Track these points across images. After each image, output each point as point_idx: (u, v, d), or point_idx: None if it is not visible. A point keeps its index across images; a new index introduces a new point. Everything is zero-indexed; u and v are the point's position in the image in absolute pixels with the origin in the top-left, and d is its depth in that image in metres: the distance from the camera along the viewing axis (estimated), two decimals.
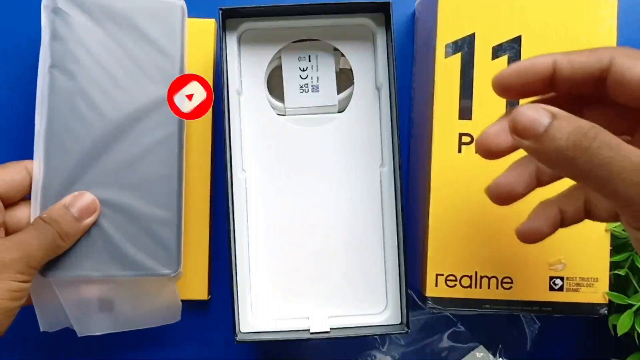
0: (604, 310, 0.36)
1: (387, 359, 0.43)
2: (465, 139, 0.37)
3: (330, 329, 0.37)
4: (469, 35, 0.37)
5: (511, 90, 0.28)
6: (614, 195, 0.23)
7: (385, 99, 0.39)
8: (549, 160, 0.24)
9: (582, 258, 0.36)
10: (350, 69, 0.39)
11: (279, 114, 0.39)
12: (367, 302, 0.39)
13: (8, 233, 0.36)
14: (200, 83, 0.41)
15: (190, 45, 0.39)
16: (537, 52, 0.28)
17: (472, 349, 0.42)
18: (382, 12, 0.38)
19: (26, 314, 0.35)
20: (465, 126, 0.37)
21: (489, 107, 0.36)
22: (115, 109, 0.37)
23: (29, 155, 0.36)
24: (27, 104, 0.40)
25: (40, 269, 0.35)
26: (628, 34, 0.38)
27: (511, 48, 0.37)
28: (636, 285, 0.36)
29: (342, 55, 0.39)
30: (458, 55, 0.37)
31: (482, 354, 0.42)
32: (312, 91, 0.39)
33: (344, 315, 0.38)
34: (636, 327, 0.36)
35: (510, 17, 0.37)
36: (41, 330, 0.38)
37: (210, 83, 0.41)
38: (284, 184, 0.39)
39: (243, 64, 0.39)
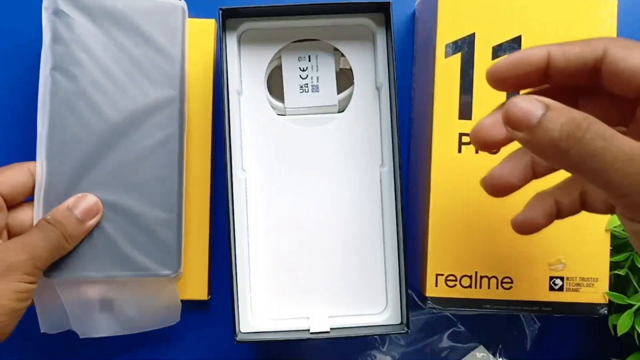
0: (604, 310, 0.36)
1: (387, 359, 0.43)
2: (465, 139, 0.37)
3: (330, 329, 0.37)
4: (469, 35, 0.37)
5: (506, 82, 0.28)
6: (608, 186, 0.23)
7: (385, 99, 0.39)
8: (543, 151, 0.24)
9: (582, 258, 0.36)
10: (350, 69, 0.39)
11: (279, 114, 0.39)
12: (367, 302, 0.39)
13: (11, 234, 0.36)
14: (200, 83, 0.41)
15: (190, 45, 0.39)
16: None
17: (472, 349, 0.42)
18: (382, 12, 0.38)
19: (26, 314, 0.35)
20: (465, 126, 0.37)
21: (489, 106, 0.36)
22: (116, 111, 0.37)
23: (31, 157, 0.36)
24: (28, 105, 0.40)
25: (44, 270, 0.35)
26: (628, 34, 0.38)
27: (511, 48, 0.37)
28: (636, 285, 0.36)
29: (342, 55, 0.39)
30: (458, 55, 0.37)
31: (482, 354, 0.42)
32: (312, 91, 0.39)
33: (344, 315, 0.38)
34: (636, 327, 0.36)
35: (510, 17, 0.37)
36: (42, 331, 0.38)
37: (210, 83, 0.41)
38: (284, 184, 0.39)
39: (243, 64, 0.39)
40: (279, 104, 0.40)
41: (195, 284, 0.41)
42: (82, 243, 0.36)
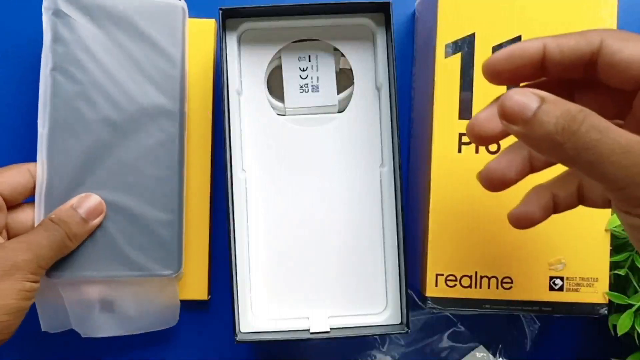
0: (604, 310, 0.36)
1: (387, 359, 0.43)
2: (465, 139, 0.37)
3: (330, 329, 0.37)
4: (469, 35, 0.37)
5: (501, 76, 0.28)
6: (604, 178, 0.23)
7: (385, 99, 0.39)
8: (538, 145, 0.24)
9: (582, 258, 0.36)
10: (350, 69, 0.39)
11: (279, 114, 0.39)
12: (367, 302, 0.39)
13: (10, 235, 0.36)
14: (200, 83, 0.41)
15: (190, 45, 0.39)
16: None
17: (472, 349, 0.42)
18: (382, 12, 0.38)
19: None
20: (465, 126, 0.36)
21: None
22: (117, 111, 0.37)
23: (31, 157, 0.36)
24: (29, 106, 0.40)
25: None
26: None
27: None
28: (636, 285, 0.36)
29: (342, 55, 0.39)
30: (458, 55, 0.37)
31: (482, 354, 0.42)
32: (312, 91, 0.39)
33: (344, 315, 0.38)
34: (636, 327, 0.36)
35: (510, 17, 0.37)
36: (42, 330, 0.38)
37: (210, 83, 0.41)
38: (284, 184, 0.39)
39: (243, 64, 0.39)
40: (279, 104, 0.40)
41: (195, 284, 0.41)
42: (83, 243, 0.36)
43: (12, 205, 0.36)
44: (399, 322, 0.38)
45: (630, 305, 0.36)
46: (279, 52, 0.39)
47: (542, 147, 0.24)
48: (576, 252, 0.36)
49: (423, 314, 0.43)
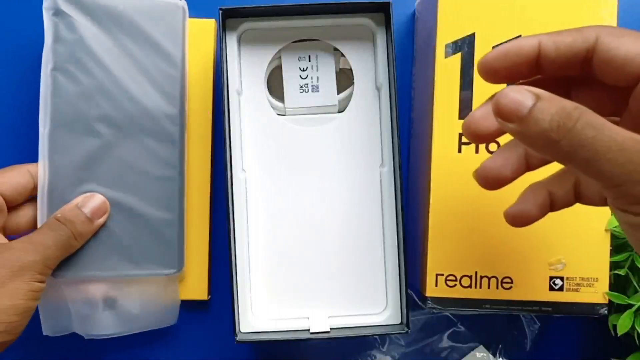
0: (604, 310, 0.36)
1: (387, 359, 0.43)
2: (466, 139, 0.37)
3: (330, 329, 0.37)
4: (469, 35, 0.37)
5: (497, 74, 0.27)
6: (600, 176, 0.23)
7: (385, 99, 0.39)
8: (534, 142, 0.23)
9: (582, 258, 0.36)
10: (350, 69, 0.39)
11: (279, 114, 0.39)
12: (367, 302, 0.39)
13: (6, 232, 0.36)
14: (200, 83, 0.41)
15: (190, 45, 0.39)
16: None
17: (472, 349, 0.42)
18: (382, 12, 0.38)
19: None
20: None
21: None
22: (118, 111, 0.37)
23: (32, 158, 0.36)
24: (29, 106, 0.40)
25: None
26: None
27: None
28: (636, 285, 0.36)
29: (342, 55, 0.39)
30: (458, 55, 0.37)
31: (482, 354, 0.42)
32: (312, 91, 0.39)
33: (344, 315, 0.38)
34: (636, 327, 0.36)
35: (510, 17, 0.37)
36: (44, 333, 0.38)
37: (210, 83, 0.41)
38: (284, 184, 0.39)
39: (243, 64, 0.39)
40: (279, 104, 0.40)
41: (195, 284, 0.41)
42: (87, 242, 0.36)
43: (12, 206, 0.36)
44: (399, 322, 0.38)
45: (630, 305, 0.36)
46: (279, 52, 0.39)
47: (537, 144, 0.23)
48: (576, 252, 0.36)
49: (423, 314, 0.43)
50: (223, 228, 0.39)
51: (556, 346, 0.43)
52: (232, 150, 0.38)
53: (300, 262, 0.39)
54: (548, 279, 0.37)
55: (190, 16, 0.39)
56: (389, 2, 0.37)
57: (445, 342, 0.43)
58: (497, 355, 0.42)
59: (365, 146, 0.39)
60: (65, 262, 0.36)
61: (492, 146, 0.37)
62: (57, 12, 0.36)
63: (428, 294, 0.37)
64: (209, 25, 0.41)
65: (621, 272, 0.37)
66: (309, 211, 0.39)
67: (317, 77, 0.39)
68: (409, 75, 0.43)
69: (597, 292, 0.36)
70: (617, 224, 0.36)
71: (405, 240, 0.37)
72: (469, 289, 0.37)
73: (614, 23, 0.36)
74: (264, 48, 0.39)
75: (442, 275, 0.37)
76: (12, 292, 0.32)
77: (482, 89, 0.37)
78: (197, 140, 0.41)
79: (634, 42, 0.25)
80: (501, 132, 0.27)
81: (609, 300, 0.36)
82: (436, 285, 0.37)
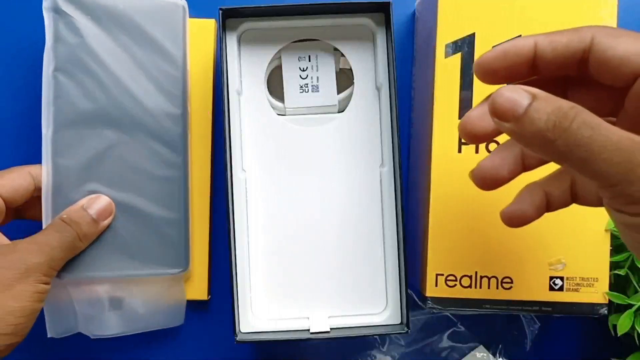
0: (604, 310, 0.36)
1: (387, 359, 0.43)
2: None
3: (330, 329, 0.37)
4: (469, 35, 0.37)
5: (494, 74, 0.27)
6: (596, 175, 0.23)
7: (385, 99, 0.39)
8: (530, 142, 0.23)
9: (582, 258, 0.36)
10: (350, 69, 0.39)
11: (279, 114, 0.39)
12: (367, 302, 0.39)
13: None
14: (200, 83, 0.41)
15: (191, 45, 0.39)
16: None
17: (472, 349, 0.42)
18: (382, 12, 0.38)
19: None
20: None
21: None
22: (120, 111, 0.37)
23: (34, 159, 0.36)
24: (31, 107, 0.40)
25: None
26: None
27: None
28: (636, 285, 0.36)
29: (342, 55, 0.39)
30: (458, 55, 0.37)
31: (482, 354, 0.42)
32: (312, 91, 0.39)
33: (344, 315, 0.38)
34: (636, 327, 0.36)
35: (510, 17, 0.37)
36: (49, 336, 0.38)
37: (210, 83, 0.41)
38: (284, 184, 0.39)
39: (243, 64, 0.39)
40: (279, 104, 0.40)
41: (195, 284, 0.41)
42: (92, 242, 0.36)
43: (13, 207, 0.36)
44: (399, 322, 0.38)
45: (630, 305, 0.36)
46: (279, 52, 0.39)
47: (533, 144, 0.23)
48: (576, 252, 0.36)
49: (423, 314, 0.43)
50: (223, 228, 0.39)
51: (556, 346, 0.43)
52: (232, 150, 0.38)
53: (300, 262, 0.39)
54: (548, 279, 0.37)
55: (190, 16, 0.39)
56: (389, 2, 0.37)
57: (445, 342, 0.43)
58: (497, 355, 0.42)
59: (365, 146, 0.39)
60: (70, 262, 0.36)
61: (492, 146, 0.37)
62: (58, 12, 0.36)
63: (428, 294, 0.37)
64: (209, 25, 0.41)
65: (621, 272, 0.37)
66: (309, 211, 0.39)
67: (317, 77, 0.39)
68: (409, 75, 0.43)
69: (597, 292, 0.36)
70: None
71: (405, 240, 0.37)
72: (469, 289, 0.37)
73: (614, 23, 0.36)
74: (264, 48, 0.39)
75: (442, 275, 0.37)
76: (18, 294, 0.32)
77: (482, 89, 0.36)
78: (197, 140, 0.41)
79: (630, 42, 0.25)
80: (497, 133, 0.27)
81: (609, 300, 0.36)
82: (436, 285, 0.37)
